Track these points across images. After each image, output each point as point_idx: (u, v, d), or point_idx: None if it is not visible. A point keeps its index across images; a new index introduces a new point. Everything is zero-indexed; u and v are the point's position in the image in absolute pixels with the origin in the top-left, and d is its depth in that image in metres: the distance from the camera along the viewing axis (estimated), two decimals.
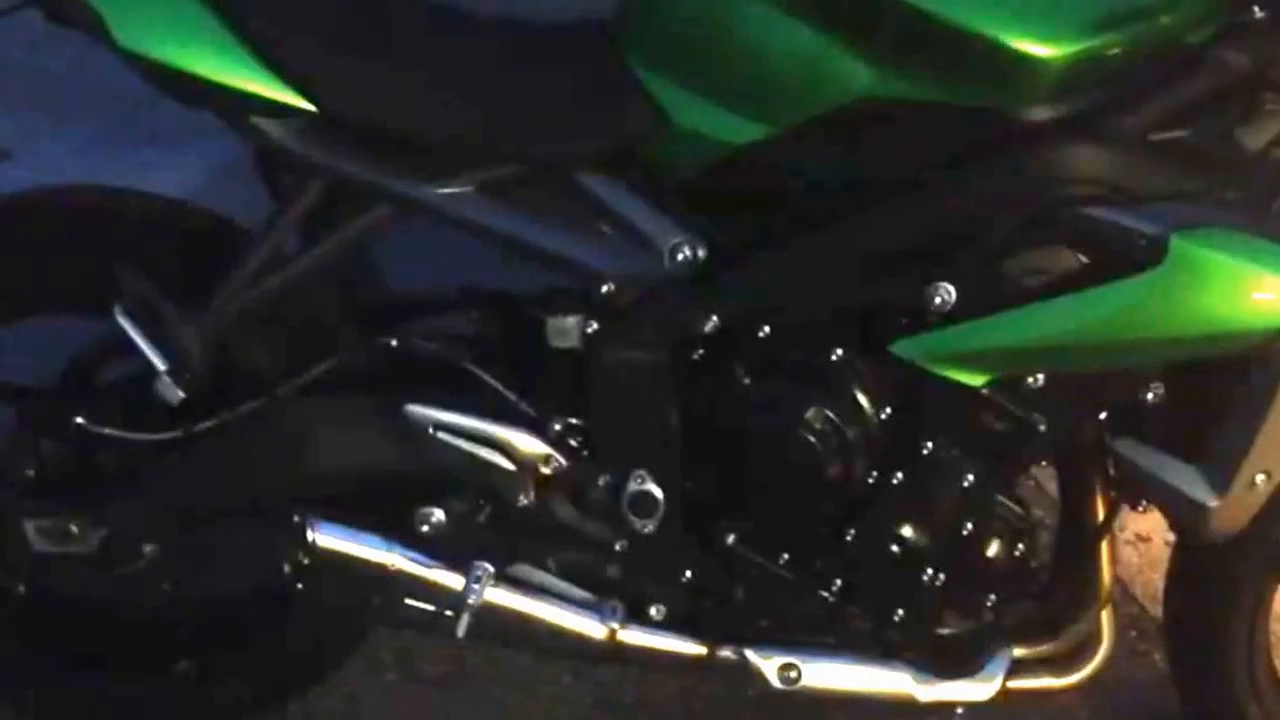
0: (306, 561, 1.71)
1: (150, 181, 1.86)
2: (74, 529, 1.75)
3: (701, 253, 1.57)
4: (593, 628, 1.69)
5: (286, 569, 1.71)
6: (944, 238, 1.49)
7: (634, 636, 1.69)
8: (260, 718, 1.93)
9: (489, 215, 1.59)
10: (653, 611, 1.69)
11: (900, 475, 1.58)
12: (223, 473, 1.70)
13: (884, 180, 1.50)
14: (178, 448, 1.71)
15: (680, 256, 1.56)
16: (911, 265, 1.50)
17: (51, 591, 1.80)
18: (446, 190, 1.58)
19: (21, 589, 1.76)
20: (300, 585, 1.72)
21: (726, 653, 1.70)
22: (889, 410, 1.56)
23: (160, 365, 1.62)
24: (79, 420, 1.73)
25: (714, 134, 1.51)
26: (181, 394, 1.62)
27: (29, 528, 1.75)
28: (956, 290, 1.48)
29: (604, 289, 1.59)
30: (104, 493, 1.73)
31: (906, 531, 1.61)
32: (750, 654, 1.69)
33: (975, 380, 1.51)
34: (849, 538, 1.62)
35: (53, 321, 1.76)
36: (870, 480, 1.59)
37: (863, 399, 1.57)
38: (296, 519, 1.68)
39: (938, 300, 1.49)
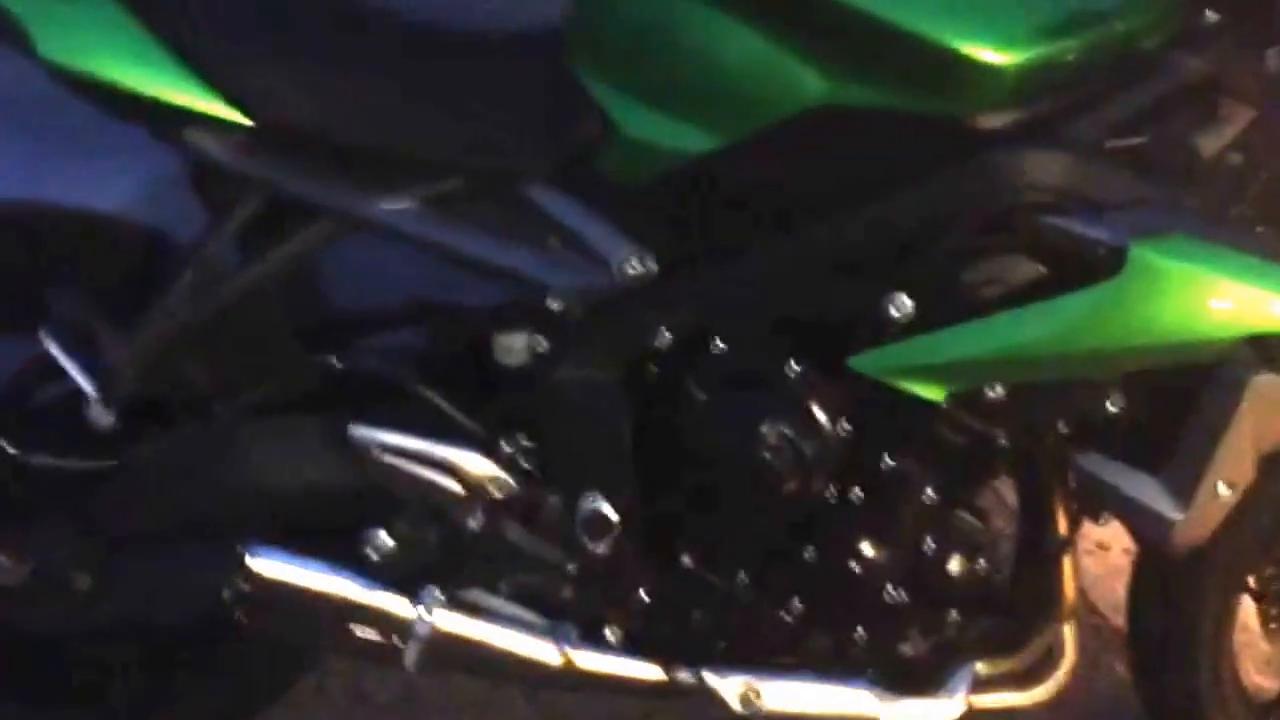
0: (247, 589, 1.65)
1: (82, 196, 1.80)
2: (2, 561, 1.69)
3: (652, 265, 1.53)
4: (547, 652, 1.65)
5: (226, 596, 1.66)
6: (900, 247, 1.46)
7: (589, 660, 1.65)
8: None
9: (433, 230, 1.54)
10: (608, 634, 1.65)
11: (859, 491, 1.55)
12: (158, 498, 1.64)
13: (838, 190, 1.46)
14: (111, 474, 1.65)
15: (631, 270, 1.52)
16: (868, 276, 1.46)
17: None
18: (389, 205, 1.53)
19: None
20: (241, 614, 1.66)
21: (685, 675, 1.66)
22: (847, 425, 1.53)
23: (90, 389, 1.56)
24: (3, 447, 1.66)
25: (664, 144, 1.47)
26: (113, 419, 1.56)
27: None
28: (914, 302, 1.45)
29: (553, 305, 1.55)
30: (29, 524, 1.67)
31: (866, 548, 1.57)
32: (709, 676, 1.65)
33: (935, 394, 1.47)
34: (808, 556, 1.58)
35: None
36: (828, 497, 1.55)
37: (820, 414, 1.53)
38: (237, 547, 1.63)
39: (894, 312, 1.46)
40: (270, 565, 1.64)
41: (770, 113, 1.44)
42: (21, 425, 1.68)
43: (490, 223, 1.54)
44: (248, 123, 1.48)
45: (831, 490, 1.55)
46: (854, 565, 1.57)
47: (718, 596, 1.63)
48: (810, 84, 1.42)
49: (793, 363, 1.52)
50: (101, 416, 1.57)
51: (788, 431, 1.53)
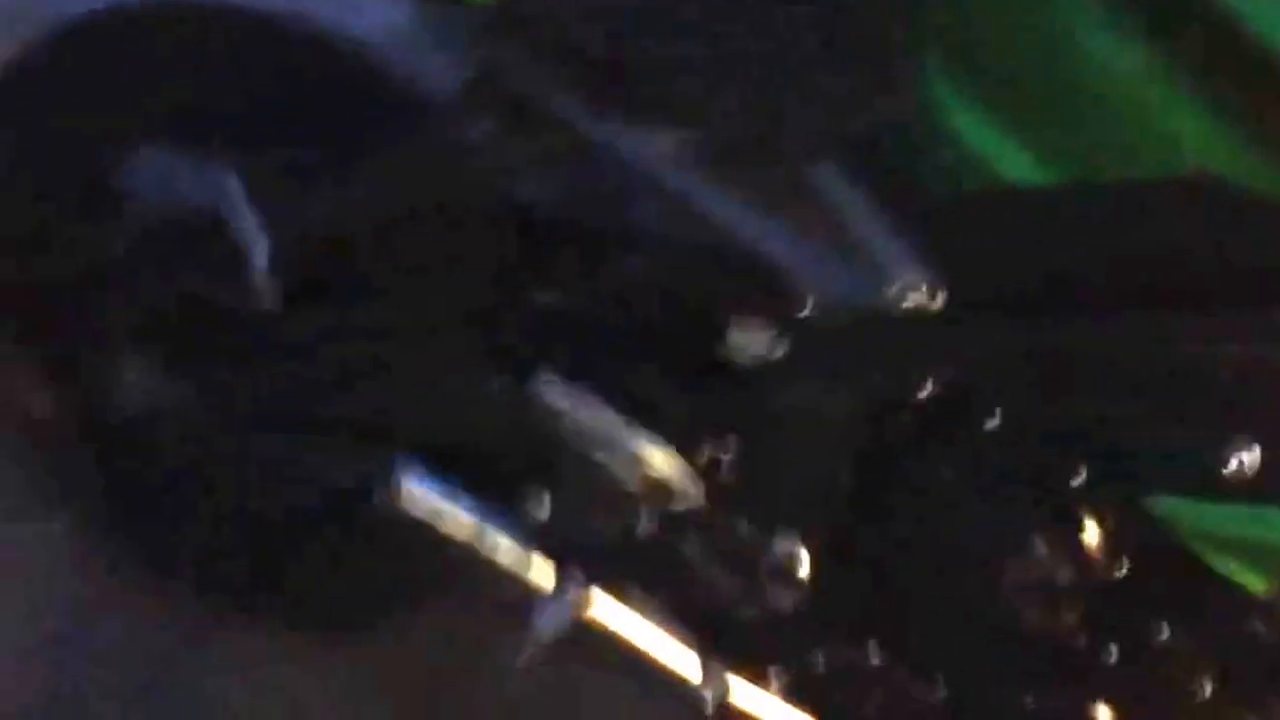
0: (389, 506, 1.44)
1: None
2: (163, 388, 1.53)
3: (940, 299, 1.19)
4: (695, 671, 1.39)
5: (373, 504, 1.45)
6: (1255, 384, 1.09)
7: (743, 693, 1.39)
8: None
9: (686, 180, 1.24)
10: (771, 675, 1.38)
11: (1114, 651, 1.21)
12: (311, 390, 1.43)
13: (1218, 280, 1.09)
14: (281, 336, 1.45)
15: (909, 295, 1.19)
16: (1211, 405, 1.10)
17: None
18: (645, 142, 1.23)
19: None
20: (377, 530, 1.46)
21: None
22: (1126, 568, 1.18)
23: (260, 259, 1.34)
24: (190, 273, 1.48)
25: (990, 158, 1.12)
26: (278, 293, 1.35)
27: (128, 378, 1.55)
28: (1264, 457, 1.08)
29: (805, 308, 1.23)
30: (194, 365, 1.51)
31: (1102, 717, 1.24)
32: None
33: (1256, 582, 1.11)
34: (1027, 700, 1.26)
35: None
36: (1075, 646, 1.22)
37: (1097, 547, 1.19)
38: (389, 460, 1.41)
39: (1235, 463, 1.09)
40: (419, 492, 1.42)
41: (1137, 164, 1.07)
42: (205, 253, 1.49)
43: (756, 192, 1.23)
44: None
45: (1080, 641, 1.21)
46: None
47: (907, 701, 1.33)
48: (1200, 145, 1.04)
49: (1084, 473, 1.17)
50: (265, 287, 1.36)
51: (1045, 554, 1.19)
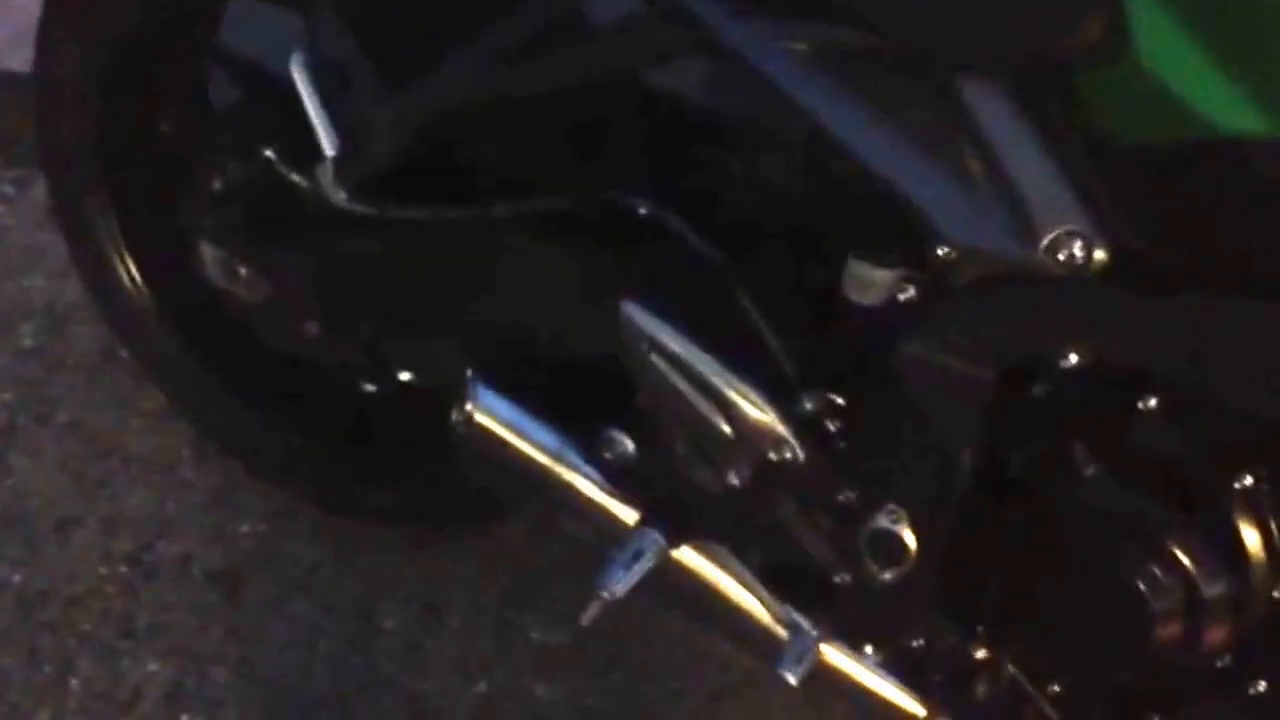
0: (464, 423, 1.32)
1: None
2: (242, 271, 1.42)
3: (1101, 258, 1.01)
4: (783, 630, 1.26)
5: (454, 417, 1.33)
6: None
7: (834, 657, 1.26)
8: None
9: (822, 91, 1.06)
10: (867, 649, 1.24)
11: (1263, 685, 1.04)
12: (375, 292, 1.31)
13: None
14: (359, 229, 1.32)
15: (1064, 254, 1.01)
16: None
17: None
18: (772, 42, 1.05)
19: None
20: (458, 442, 1.33)
21: None
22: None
23: (329, 148, 1.20)
24: (268, 153, 1.36)
25: (1194, 104, 0.93)
26: (343, 194, 1.21)
27: (206, 251, 1.44)
28: None
29: (940, 251, 1.06)
30: (278, 250, 1.40)
31: None
32: None
33: None
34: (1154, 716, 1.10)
35: None
36: (1216, 670, 1.05)
37: (1251, 556, 1.02)
38: (469, 374, 1.29)
39: None
40: (496, 414, 1.30)
41: None
42: (287, 131, 1.36)
43: (897, 111, 1.05)
44: None
45: (1224, 662, 1.04)
46: None
47: (1013, 693, 1.18)
48: None
49: (1247, 479, 1.00)
50: (329, 184, 1.22)
51: (1194, 562, 1.02)
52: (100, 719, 1.46)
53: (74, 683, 1.49)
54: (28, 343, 1.81)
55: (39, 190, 1.84)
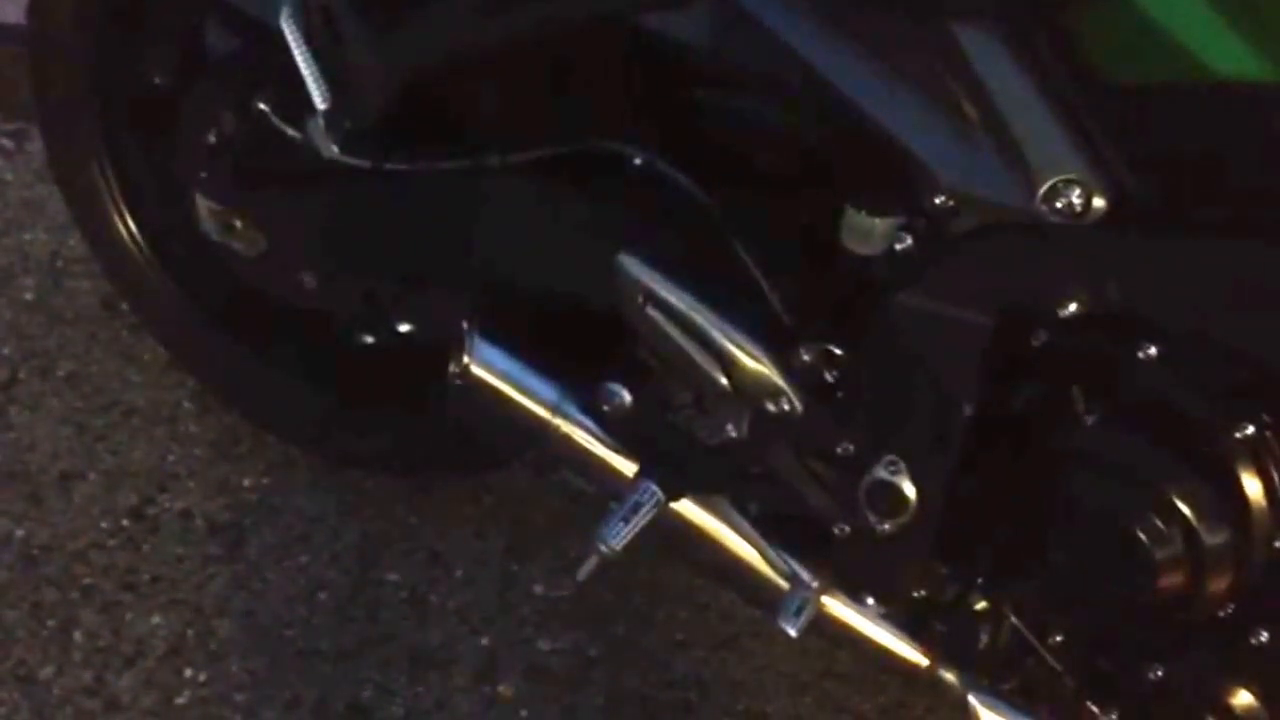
0: (459, 374, 1.31)
1: None
2: (237, 224, 1.41)
3: (1099, 205, 0.99)
4: (782, 580, 1.26)
5: (451, 369, 1.32)
6: None
7: (837, 609, 1.25)
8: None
9: (816, 41, 1.04)
10: (868, 600, 1.24)
11: (1264, 635, 1.03)
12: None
13: None
14: (353, 181, 1.31)
15: (1062, 200, 1.00)
16: None
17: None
18: None
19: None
20: (453, 392, 1.33)
21: (951, 678, 1.24)
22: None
23: (319, 101, 1.19)
24: (261, 105, 1.35)
25: (1187, 44, 0.91)
26: (334, 147, 1.20)
27: (201, 205, 1.43)
28: None
29: (937, 199, 1.05)
30: (273, 202, 1.39)
31: (1238, 700, 1.07)
32: (979, 706, 1.22)
33: None
34: (1152, 674, 1.09)
35: None
36: (1218, 620, 1.04)
37: (1253, 505, 1.01)
38: (465, 326, 1.28)
39: None
40: (492, 366, 1.30)
41: None
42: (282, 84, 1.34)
43: (892, 53, 1.03)
44: None
45: (1226, 612, 1.04)
46: (1209, 709, 1.07)
47: (1016, 644, 1.18)
48: None
49: (1249, 427, 0.99)
50: (320, 137, 1.21)
51: (1195, 512, 1.01)
52: (104, 672, 1.46)
53: (77, 636, 1.49)
54: (28, 296, 1.80)
55: (37, 144, 1.83)
